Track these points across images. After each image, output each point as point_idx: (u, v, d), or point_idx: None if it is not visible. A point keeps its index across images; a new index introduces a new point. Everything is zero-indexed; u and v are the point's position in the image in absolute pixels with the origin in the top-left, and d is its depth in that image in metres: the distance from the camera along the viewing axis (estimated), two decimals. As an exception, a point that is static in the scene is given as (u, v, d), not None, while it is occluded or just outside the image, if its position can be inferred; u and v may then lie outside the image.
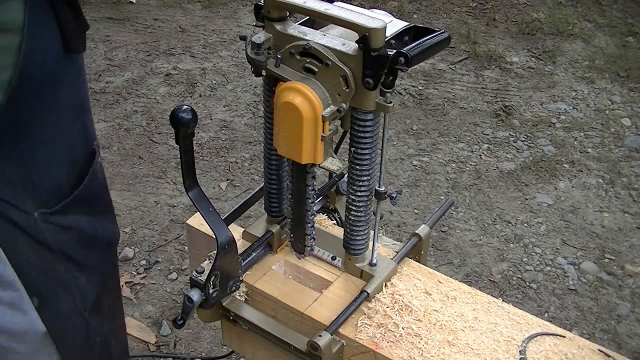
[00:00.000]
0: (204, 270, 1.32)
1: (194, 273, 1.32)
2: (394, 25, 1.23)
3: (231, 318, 1.44)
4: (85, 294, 1.22)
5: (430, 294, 1.42)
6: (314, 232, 1.44)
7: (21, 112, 1.03)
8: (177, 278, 2.67)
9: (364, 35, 1.14)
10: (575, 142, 3.49)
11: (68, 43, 1.08)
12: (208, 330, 2.46)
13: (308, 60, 1.22)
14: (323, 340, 1.28)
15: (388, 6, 4.62)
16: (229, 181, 3.17)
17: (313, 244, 1.46)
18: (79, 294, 1.21)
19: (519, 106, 3.75)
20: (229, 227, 1.34)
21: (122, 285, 2.59)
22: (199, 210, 1.30)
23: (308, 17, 1.27)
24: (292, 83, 1.22)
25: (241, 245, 1.50)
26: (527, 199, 3.13)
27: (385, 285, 1.41)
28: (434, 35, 1.22)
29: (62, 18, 1.05)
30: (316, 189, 1.41)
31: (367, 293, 1.38)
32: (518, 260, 2.81)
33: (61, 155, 1.13)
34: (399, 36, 1.22)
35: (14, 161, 1.05)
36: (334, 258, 1.49)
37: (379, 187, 1.35)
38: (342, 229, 1.44)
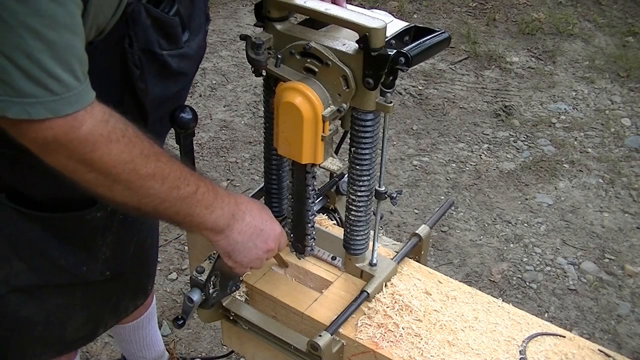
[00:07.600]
0: (204, 270, 1.31)
1: (194, 273, 1.32)
2: (394, 25, 1.23)
3: (231, 318, 1.44)
4: None
5: (430, 294, 1.42)
6: (314, 232, 1.44)
7: None
8: (177, 278, 2.67)
9: (364, 35, 1.14)
10: (575, 142, 3.49)
11: None
12: (208, 330, 2.46)
13: (308, 60, 1.22)
14: (323, 340, 1.28)
15: (388, 6, 4.62)
16: (229, 181, 3.17)
17: (313, 244, 1.46)
18: None
19: (519, 106, 3.75)
20: (229, 227, 1.34)
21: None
22: (199, 210, 1.30)
23: (308, 17, 1.27)
24: (293, 83, 1.22)
25: (241, 245, 1.49)
26: (527, 199, 3.13)
27: (385, 285, 1.41)
28: (434, 35, 1.22)
29: None
30: (316, 189, 1.41)
31: (367, 293, 1.38)
32: (518, 260, 2.81)
33: None
34: (399, 36, 1.22)
35: None
36: (334, 258, 1.48)
37: (379, 187, 1.35)
38: (342, 229, 1.44)
